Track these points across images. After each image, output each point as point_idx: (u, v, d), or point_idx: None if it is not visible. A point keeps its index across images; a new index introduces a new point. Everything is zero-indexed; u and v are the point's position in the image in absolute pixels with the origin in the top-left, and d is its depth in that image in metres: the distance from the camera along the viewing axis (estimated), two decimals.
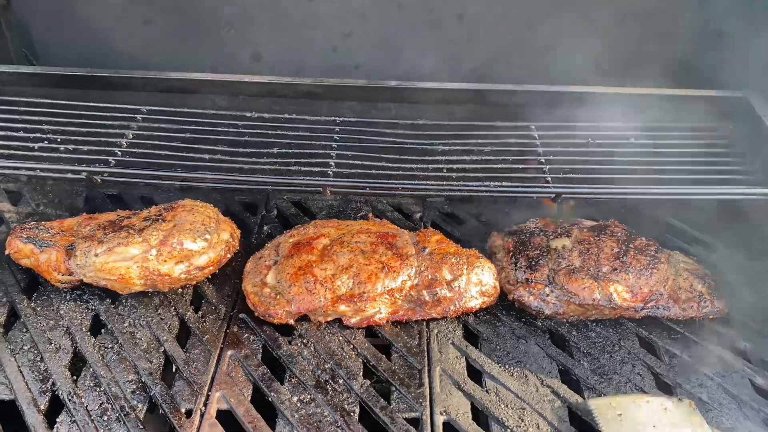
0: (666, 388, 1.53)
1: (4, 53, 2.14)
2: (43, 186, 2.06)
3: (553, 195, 1.57)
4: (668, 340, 1.63)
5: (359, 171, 1.65)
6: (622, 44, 2.06)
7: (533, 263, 1.69)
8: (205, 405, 1.43)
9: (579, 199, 1.58)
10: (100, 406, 1.42)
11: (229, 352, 1.55)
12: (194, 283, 1.71)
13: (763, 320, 1.67)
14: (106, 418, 1.39)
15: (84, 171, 1.56)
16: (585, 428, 1.42)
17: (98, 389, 1.45)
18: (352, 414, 1.42)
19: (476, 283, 1.64)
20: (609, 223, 1.82)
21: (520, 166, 1.68)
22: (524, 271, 1.68)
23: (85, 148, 1.67)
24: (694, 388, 1.51)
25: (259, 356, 1.55)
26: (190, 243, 1.65)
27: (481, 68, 2.11)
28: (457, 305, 1.63)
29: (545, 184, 1.60)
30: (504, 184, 1.60)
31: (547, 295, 1.64)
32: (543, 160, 1.70)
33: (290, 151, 1.72)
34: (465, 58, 2.16)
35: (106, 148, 1.66)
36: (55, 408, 1.42)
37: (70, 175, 1.57)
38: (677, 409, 1.42)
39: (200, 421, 1.39)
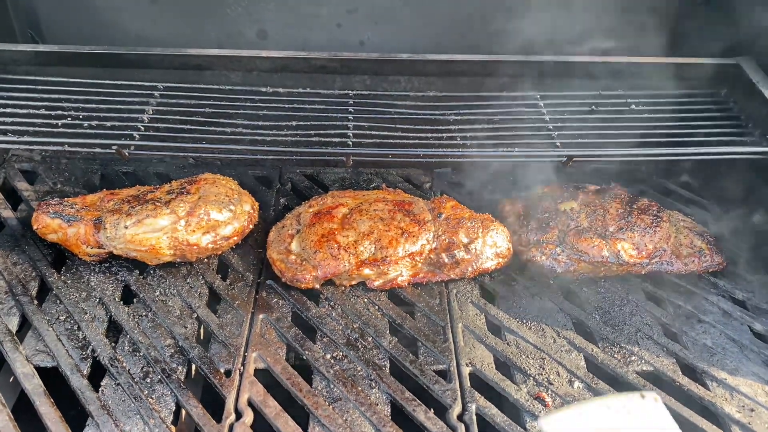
0: (673, 337, 1.63)
1: (8, 33, 2.15)
2: (58, 165, 2.09)
3: (565, 158, 1.65)
4: (672, 293, 1.74)
5: (377, 141, 1.71)
6: (618, 14, 2.15)
7: (544, 225, 1.78)
8: (243, 365, 1.49)
9: (588, 161, 1.66)
10: (142, 369, 1.47)
11: (261, 316, 1.61)
12: (220, 253, 1.76)
13: (758, 272, 1.79)
14: (148, 380, 1.45)
15: (114, 144, 1.59)
16: (601, 374, 1.52)
17: (137, 354, 1.51)
18: (384, 368, 1.50)
19: (491, 245, 1.73)
20: (612, 186, 1.92)
21: (530, 133, 1.76)
22: (535, 233, 1.77)
23: (108, 124, 1.71)
24: (698, 335, 1.62)
25: (290, 319, 1.62)
26: (217, 213, 1.70)
27: (483, 41, 2.18)
28: (475, 266, 1.71)
29: (556, 149, 1.68)
30: (516, 149, 1.68)
31: (559, 255, 1.73)
32: (551, 127, 1.78)
33: (308, 123, 1.78)
34: (467, 33, 2.22)
35: (129, 124, 1.70)
36: (96, 373, 1.48)
37: (98, 150, 1.60)
38: (640, 408, 1.28)
39: (240, 380, 1.46)
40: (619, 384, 1.49)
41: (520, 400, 1.44)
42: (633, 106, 1.88)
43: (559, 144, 1.72)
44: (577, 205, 1.82)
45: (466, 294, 1.71)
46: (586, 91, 1.93)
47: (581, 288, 1.74)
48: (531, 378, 1.50)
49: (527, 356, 1.55)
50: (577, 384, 1.49)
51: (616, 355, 1.56)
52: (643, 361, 1.55)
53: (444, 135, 1.76)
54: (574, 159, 1.66)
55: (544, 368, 1.52)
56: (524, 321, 1.64)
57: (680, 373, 1.53)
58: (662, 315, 1.67)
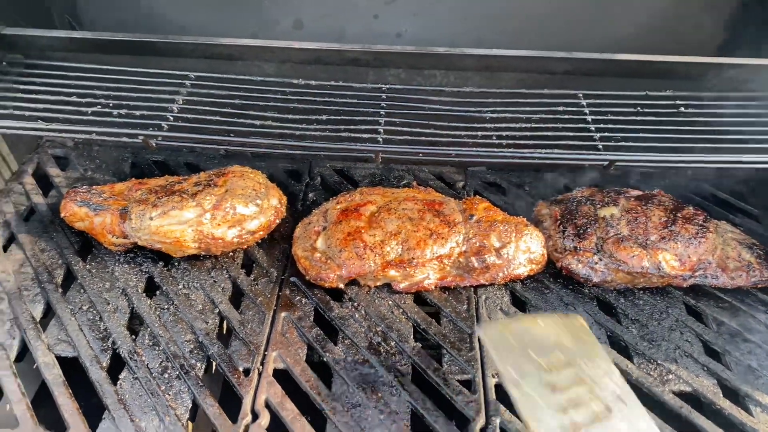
0: (715, 356, 1.54)
1: (46, 19, 2.15)
2: (89, 152, 2.10)
3: (606, 162, 1.57)
4: (716, 308, 1.64)
5: (408, 138, 1.65)
6: (668, 12, 2.04)
7: (581, 231, 1.69)
8: (262, 364, 1.46)
9: (631, 167, 1.57)
10: (161, 364, 1.46)
11: (283, 314, 1.58)
12: (245, 247, 1.73)
13: None
14: (166, 375, 1.43)
15: (141, 134, 1.57)
16: (635, 392, 1.43)
17: (157, 348, 1.49)
18: (406, 375, 1.45)
19: (524, 250, 1.65)
20: (655, 192, 1.82)
21: (571, 134, 1.67)
22: (572, 240, 1.69)
23: (138, 113, 1.69)
24: (743, 355, 1.52)
25: (312, 318, 1.58)
26: (243, 207, 1.67)
27: (525, 36, 2.09)
28: (506, 272, 1.64)
29: (597, 152, 1.60)
30: (555, 151, 1.59)
31: (596, 263, 1.65)
32: (593, 128, 1.69)
33: (338, 117, 1.73)
34: (508, 27, 2.14)
35: (158, 113, 1.68)
36: (115, 365, 1.47)
37: (125, 139, 1.59)
38: (567, 327, 1.30)
39: (258, 380, 1.42)
40: (655, 404, 1.41)
41: None
42: (682, 109, 1.77)
43: (601, 147, 1.63)
44: (617, 211, 1.73)
45: (495, 300, 1.64)
46: (632, 91, 1.83)
47: (618, 299, 1.66)
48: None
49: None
50: None
51: (652, 373, 1.48)
52: (681, 381, 1.46)
53: (479, 133, 1.69)
54: (616, 163, 1.56)
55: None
56: None
57: (721, 395, 1.44)
58: (704, 332, 1.58)
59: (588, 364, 1.23)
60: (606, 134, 1.67)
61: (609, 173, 1.62)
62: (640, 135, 1.66)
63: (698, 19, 2.08)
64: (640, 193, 1.81)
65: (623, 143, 1.65)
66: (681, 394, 1.44)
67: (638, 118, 1.74)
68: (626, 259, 1.63)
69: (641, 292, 1.68)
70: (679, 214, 1.71)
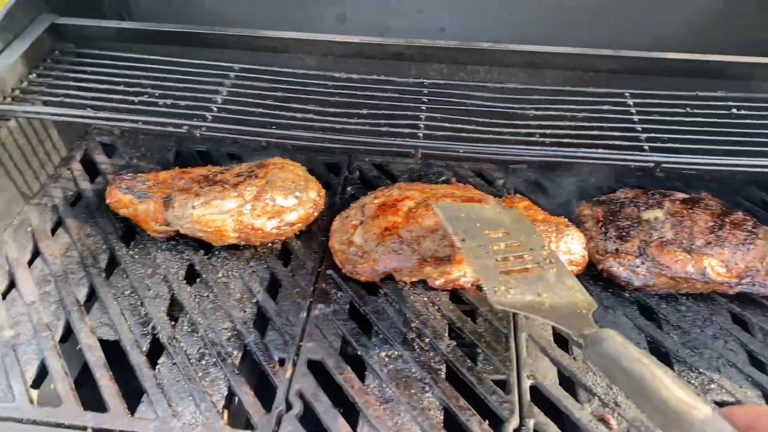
0: (760, 366, 1.49)
1: (97, 9, 2.20)
2: (135, 140, 2.14)
3: (652, 164, 1.52)
4: (763, 317, 1.58)
5: (449, 134, 1.63)
6: (723, 10, 1.98)
7: (624, 234, 1.66)
8: (297, 355, 1.47)
9: (678, 170, 1.52)
10: (198, 350, 1.48)
11: (318, 306, 1.59)
12: (283, 238, 1.75)
13: None
14: (204, 362, 1.46)
15: (185, 125, 1.60)
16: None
17: (196, 335, 1.51)
18: (439, 372, 1.44)
19: (565, 251, 1.63)
20: (702, 196, 1.77)
21: (616, 134, 1.63)
22: (614, 242, 1.65)
23: (183, 103, 1.71)
24: None
25: (347, 311, 1.58)
26: (282, 199, 1.68)
27: (572, 33, 2.05)
28: None
29: (643, 153, 1.55)
30: (599, 151, 1.56)
31: (638, 267, 1.61)
32: (639, 129, 1.65)
33: (379, 112, 1.72)
34: (554, 23, 2.10)
35: (203, 104, 1.70)
36: (155, 350, 1.50)
37: (171, 129, 1.61)
38: (508, 213, 1.60)
39: (293, 370, 1.44)
40: None
41: (583, 420, 1.35)
42: (734, 111, 1.71)
43: (647, 148, 1.58)
44: (662, 214, 1.69)
45: None
46: (682, 91, 1.77)
47: (659, 304, 1.62)
48: (597, 397, 1.40)
49: (595, 374, 1.45)
50: None
51: (693, 381, 1.44)
52: (723, 391, 1.42)
53: (522, 131, 1.66)
54: (663, 165, 1.52)
55: (612, 388, 1.42)
56: None
57: (766, 407, 1.39)
58: (749, 341, 1.53)
59: (525, 238, 1.48)
60: (653, 135, 1.63)
61: (655, 175, 1.58)
62: (689, 137, 1.61)
63: (754, 19, 2.00)
64: (687, 196, 1.77)
65: (670, 145, 1.60)
66: (723, 404, 1.39)
67: (687, 119, 1.68)
68: (670, 263, 1.58)
69: (684, 297, 1.63)
70: (726, 219, 1.66)
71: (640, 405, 0.98)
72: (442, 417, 1.36)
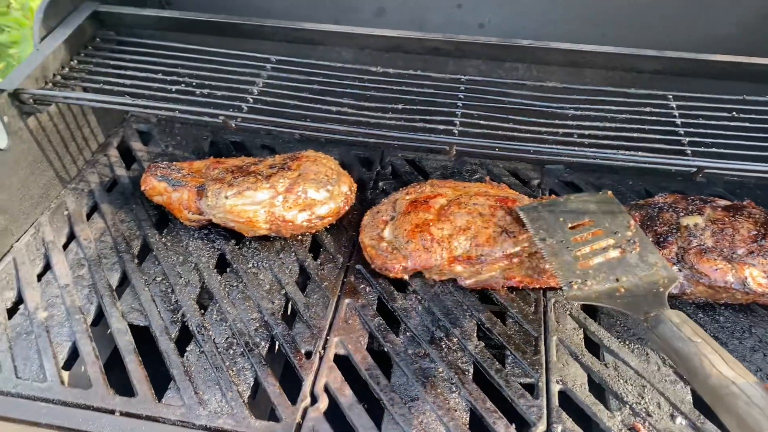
0: None
1: None
2: (171, 128, 2.17)
3: (695, 169, 1.48)
4: None
5: (485, 131, 1.61)
6: None
7: (661, 239, 1.61)
8: (324, 349, 1.47)
9: (721, 176, 1.47)
10: (226, 340, 1.49)
11: (347, 301, 1.58)
12: (313, 231, 1.75)
13: None
14: (231, 351, 1.46)
15: (221, 115, 1.60)
16: (709, 412, 1.36)
17: (224, 324, 1.52)
18: (467, 373, 1.42)
19: None
20: (745, 203, 1.71)
21: (657, 137, 1.59)
22: None
23: (219, 93, 1.72)
24: None
25: (375, 307, 1.57)
26: (314, 192, 1.68)
27: (615, 32, 2.00)
28: None
29: (685, 157, 1.51)
30: (639, 153, 1.52)
31: None
32: (682, 132, 1.60)
33: (414, 107, 1.70)
34: (597, 22, 2.05)
35: (239, 95, 1.71)
36: (183, 337, 1.51)
37: (207, 119, 1.62)
38: (594, 198, 1.60)
39: (319, 364, 1.43)
40: None
41: (612, 429, 1.32)
42: None
43: (689, 152, 1.54)
44: (702, 220, 1.64)
45: (565, 305, 1.59)
46: (728, 95, 1.71)
47: (696, 313, 1.57)
48: (627, 406, 1.36)
49: (626, 381, 1.41)
50: (679, 420, 1.34)
51: None
52: None
53: (560, 130, 1.63)
54: (705, 171, 1.48)
55: (643, 397, 1.38)
56: (627, 342, 1.50)
57: None
58: None
59: (611, 222, 1.51)
60: (696, 139, 1.58)
61: (696, 181, 1.53)
62: (734, 142, 1.56)
63: None
64: (729, 203, 1.71)
65: (714, 150, 1.55)
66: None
67: (733, 123, 1.63)
68: (708, 271, 1.54)
69: (722, 307, 1.58)
70: None
71: (692, 384, 1.07)
72: (468, 418, 1.34)
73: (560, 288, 1.59)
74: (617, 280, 1.37)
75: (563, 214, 1.55)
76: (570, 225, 1.52)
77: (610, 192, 1.65)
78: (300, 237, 1.75)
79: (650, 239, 1.56)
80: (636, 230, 1.49)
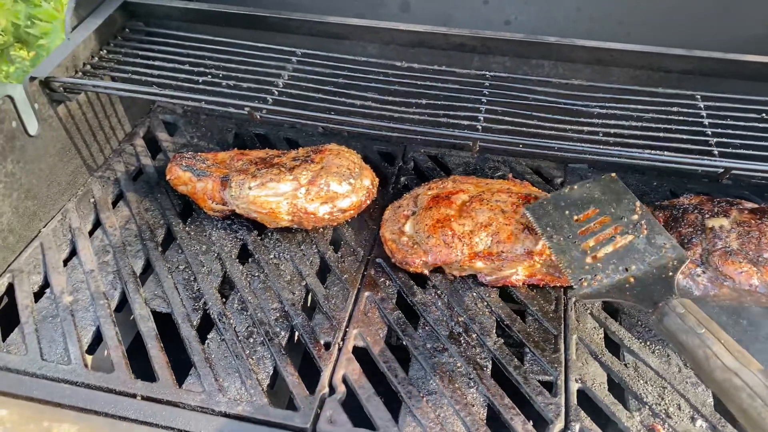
0: None
1: None
2: (197, 120, 2.19)
3: (722, 170, 1.46)
4: None
5: (509, 128, 1.61)
6: None
7: (685, 240, 1.59)
8: (343, 340, 1.48)
9: (749, 177, 1.45)
10: (247, 328, 1.50)
11: (366, 294, 1.59)
12: (335, 224, 1.76)
13: None
14: (251, 340, 1.48)
15: (247, 106, 1.62)
16: (730, 415, 1.34)
17: (245, 313, 1.54)
18: (485, 368, 1.42)
19: None
20: None
21: (684, 137, 1.57)
22: None
23: (245, 85, 1.74)
24: None
25: (394, 301, 1.58)
26: (336, 185, 1.69)
27: (644, 31, 1.98)
28: None
29: (712, 158, 1.49)
30: (666, 153, 1.50)
31: (698, 276, 1.55)
32: (709, 133, 1.58)
33: (438, 102, 1.71)
34: (625, 20, 2.03)
35: (264, 87, 1.72)
36: (205, 325, 1.53)
37: (232, 110, 1.64)
38: (599, 184, 1.56)
39: (338, 355, 1.44)
40: None
41: (631, 429, 1.31)
42: None
43: (716, 153, 1.52)
44: (728, 223, 1.62)
45: (586, 304, 1.58)
46: (757, 96, 1.69)
47: (720, 316, 1.55)
48: (647, 407, 1.35)
49: (646, 382, 1.40)
50: (700, 422, 1.33)
51: None
52: None
53: (585, 128, 1.62)
54: (733, 172, 1.46)
55: (663, 398, 1.37)
56: (648, 343, 1.49)
57: None
58: None
59: (616, 207, 1.49)
60: (723, 140, 1.56)
61: (722, 182, 1.51)
62: (763, 144, 1.54)
63: None
64: (756, 206, 1.68)
65: (742, 151, 1.53)
66: None
67: (762, 125, 1.61)
68: (733, 274, 1.52)
69: (747, 312, 1.56)
70: None
71: (698, 377, 1.13)
72: (485, 414, 1.34)
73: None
74: (626, 269, 1.36)
75: (568, 207, 1.52)
76: (576, 217, 1.50)
77: (614, 173, 1.60)
78: (321, 229, 1.76)
79: (659, 221, 1.55)
80: (642, 211, 1.47)
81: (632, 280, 1.34)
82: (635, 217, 1.46)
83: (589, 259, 1.40)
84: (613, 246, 1.41)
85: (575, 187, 1.58)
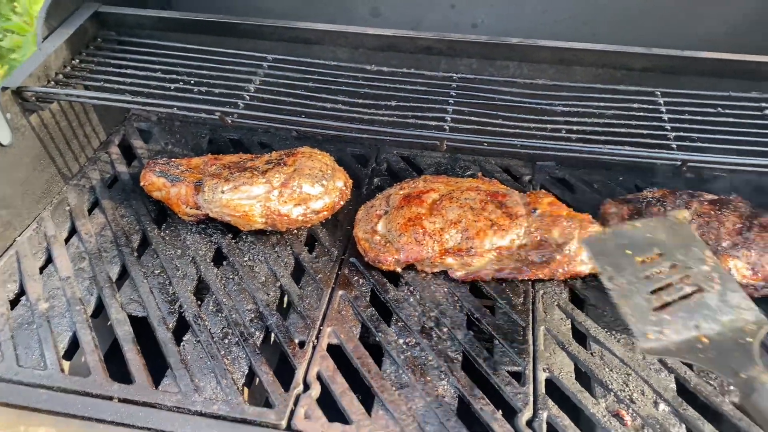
0: None
1: None
2: (171, 127, 2.21)
3: (679, 162, 1.51)
4: None
5: (475, 127, 1.65)
6: (765, 10, 1.94)
7: None
8: (317, 338, 1.51)
9: (706, 169, 1.51)
10: (222, 330, 1.53)
11: (340, 292, 1.62)
12: (309, 225, 1.79)
13: None
14: (226, 341, 1.50)
15: (218, 111, 1.64)
16: (692, 400, 1.39)
17: (220, 315, 1.56)
18: (455, 361, 1.46)
19: None
20: (732, 198, 1.74)
21: (644, 132, 1.62)
22: None
23: (216, 91, 1.76)
24: None
25: (368, 299, 1.61)
26: (309, 187, 1.72)
27: (607, 31, 2.05)
28: (566, 268, 1.62)
29: (670, 151, 1.54)
30: (626, 148, 1.55)
31: None
32: (669, 128, 1.64)
33: (407, 104, 1.75)
34: (589, 21, 2.09)
35: (236, 92, 1.75)
36: (181, 328, 1.55)
37: (204, 115, 1.66)
38: (664, 225, 1.45)
39: (312, 353, 1.47)
40: (712, 413, 1.36)
41: (597, 415, 1.35)
42: (767, 112, 1.68)
43: (675, 146, 1.57)
44: (688, 214, 1.67)
45: (553, 296, 1.62)
46: (714, 91, 1.75)
47: None
48: (612, 393, 1.40)
49: (611, 370, 1.45)
50: (662, 407, 1.37)
51: (712, 382, 1.42)
52: None
53: (548, 126, 1.67)
54: (690, 164, 1.51)
55: (627, 385, 1.41)
56: (614, 332, 1.53)
57: None
58: None
59: (684, 254, 1.36)
60: (682, 134, 1.62)
61: (685, 176, 1.56)
62: (719, 137, 1.60)
63: None
64: (715, 197, 1.74)
65: (700, 144, 1.59)
66: (742, 408, 1.38)
67: (718, 119, 1.67)
68: None
69: None
70: (755, 221, 1.63)
71: None
72: (456, 405, 1.38)
73: (549, 279, 1.63)
74: (697, 327, 1.22)
75: (631, 247, 1.40)
76: (639, 259, 1.37)
77: (683, 213, 1.57)
78: (296, 231, 1.79)
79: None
80: (713, 263, 1.33)
81: (704, 340, 1.20)
82: (706, 268, 1.32)
83: (654, 310, 1.27)
84: (681, 298, 1.28)
85: (638, 224, 1.46)
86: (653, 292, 1.29)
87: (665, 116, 1.69)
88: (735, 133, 1.62)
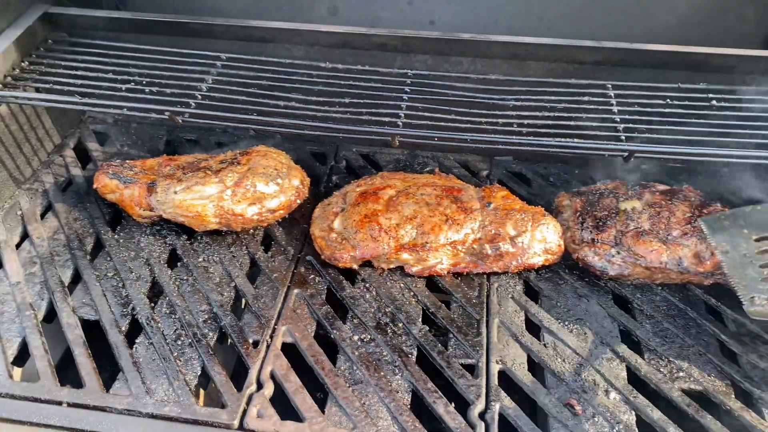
0: (731, 356, 1.49)
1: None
2: (127, 128, 2.19)
3: (626, 153, 1.53)
4: (738, 308, 1.57)
5: (428, 123, 1.65)
6: (711, 3, 1.98)
7: (600, 224, 1.66)
8: (271, 337, 1.50)
9: (652, 159, 1.53)
10: (175, 331, 1.51)
11: (296, 291, 1.61)
12: (265, 225, 1.78)
13: None
14: (179, 342, 1.49)
15: (167, 110, 1.63)
16: (642, 387, 1.41)
17: (173, 316, 1.55)
18: (410, 356, 1.46)
19: (540, 240, 1.64)
20: (683, 188, 1.77)
21: (594, 124, 1.64)
22: (590, 231, 1.66)
23: (168, 91, 1.75)
24: (762, 357, 1.47)
25: (324, 296, 1.61)
26: (263, 186, 1.71)
27: (560, 26, 2.07)
28: (520, 261, 1.63)
29: (618, 143, 1.56)
30: (575, 140, 1.57)
31: (613, 256, 1.62)
32: (618, 119, 1.66)
33: (361, 101, 1.75)
34: (543, 17, 2.11)
35: (188, 92, 1.74)
36: (134, 330, 1.53)
37: (154, 115, 1.65)
38: None
39: (266, 352, 1.46)
40: (661, 400, 1.38)
41: (549, 405, 1.36)
42: (714, 102, 1.71)
43: (623, 138, 1.59)
44: (640, 204, 1.70)
45: (508, 289, 1.63)
46: (664, 83, 1.77)
47: (634, 294, 1.63)
48: (564, 383, 1.41)
49: (564, 360, 1.46)
50: (613, 395, 1.39)
51: (662, 369, 1.45)
52: (691, 379, 1.42)
53: (500, 121, 1.68)
54: (636, 154, 1.53)
55: (580, 375, 1.43)
56: (566, 323, 1.55)
57: (733, 396, 1.39)
58: (722, 332, 1.53)
59: None
60: (630, 125, 1.64)
61: (639, 169, 1.59)
62: (667, 128, 1.62)
63: (742, 11, 2.00)
64: (667, 188, 1.77)
65: (648, 135, 1.61)
66: (690, 392, 1.40)
67: (667, 110, 1.69)
68: (645, 253, 1.59)
69: (659, 288, 1.64)
70: (704, 211, 1.66)
71: None
72: (409, 399, 1.38)
73: (503, 272, 1.65)
74: None
75: (748, 226, 1.49)
76: (755, 237, 1.48)
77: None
78: (252, 231, 1.78)
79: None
80: None
81: None
82: None
83: (762, 280, 1.41)
84: None
85: (758, 207, 1.53)
86: (763, 266, 1.43)
87: (615, 108, 1.71)
88: (683, 124, 1.64)
